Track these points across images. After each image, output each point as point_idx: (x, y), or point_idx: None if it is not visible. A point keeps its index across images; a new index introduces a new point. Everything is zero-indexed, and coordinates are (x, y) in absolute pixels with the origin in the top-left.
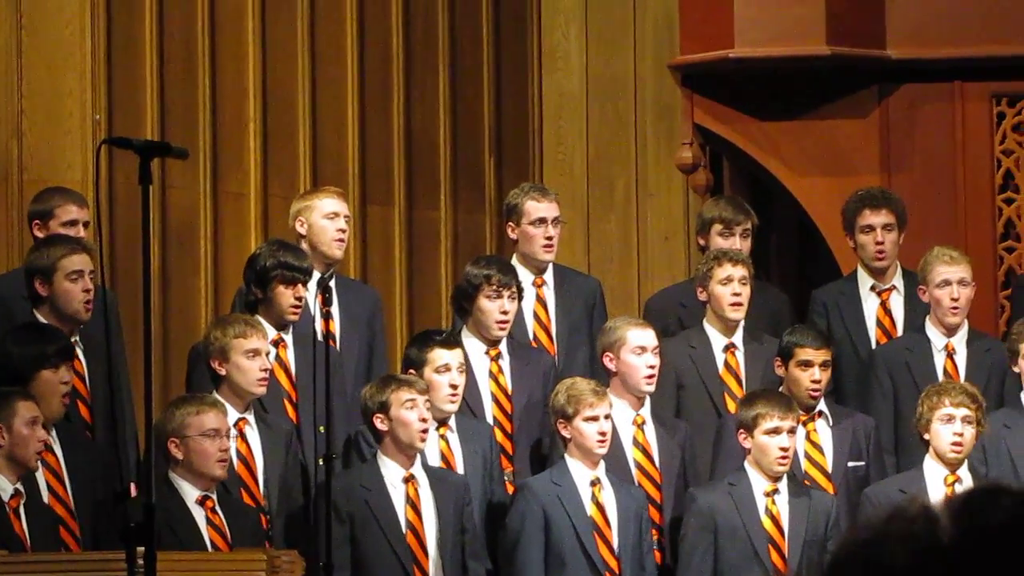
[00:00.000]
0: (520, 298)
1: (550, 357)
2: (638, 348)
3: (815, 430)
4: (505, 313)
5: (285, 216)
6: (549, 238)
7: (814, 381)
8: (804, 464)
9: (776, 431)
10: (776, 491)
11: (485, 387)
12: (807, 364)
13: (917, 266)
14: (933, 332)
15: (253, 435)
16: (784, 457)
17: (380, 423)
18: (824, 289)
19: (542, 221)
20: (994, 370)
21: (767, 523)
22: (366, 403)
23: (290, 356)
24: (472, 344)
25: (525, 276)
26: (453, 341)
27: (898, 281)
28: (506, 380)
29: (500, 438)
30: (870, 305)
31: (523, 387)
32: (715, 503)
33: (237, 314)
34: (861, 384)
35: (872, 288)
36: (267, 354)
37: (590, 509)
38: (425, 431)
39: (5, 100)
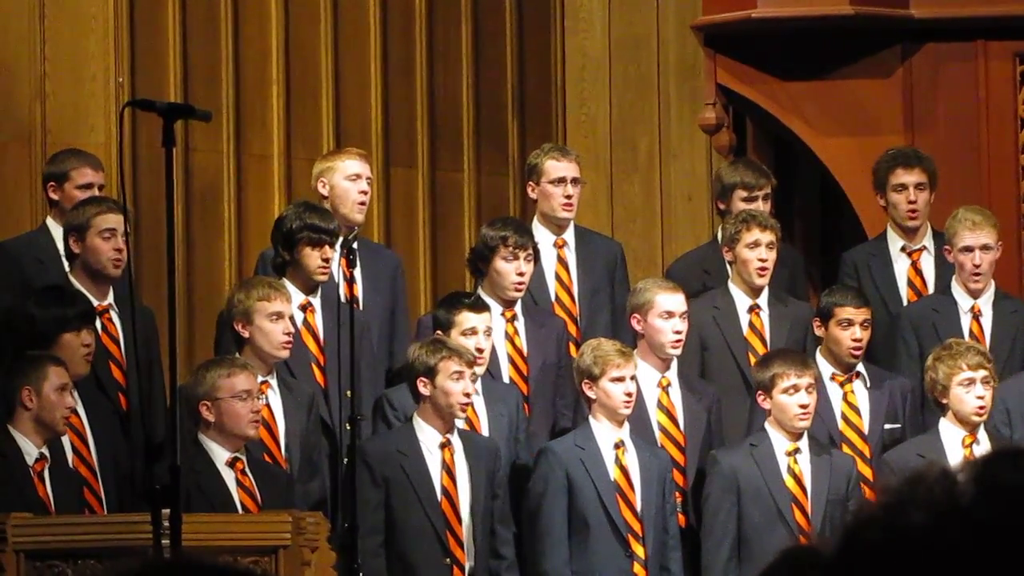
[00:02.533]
0: (537, 259)
1: (563, 321)
2: (665, 313)
3: (852, 391)
4: (521, 275)
5: (308, 178)
6: (568, 197)
7: (855, 340)
8: (840, 425)
9: (794, 388)
10: (798, 450)
11: (501, 348)
12: (848, 323)
13: (944, 225)
14: (959, 293)
15: (275, 398)
16: (805, 413)
17: (423, 387)
18: (854, 250)
19: (561, 180)
20: (1019, 331)
21: (790, 482)
22: (413, 363)
23: (318, 320)
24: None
25: (546, 237)
26: (481, 305)
27: (928, 242)
28: (522, 342)
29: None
30: (901, 266)
31: (538, 349)
32: (737, 464)
33: (261, 277)
34: (887, 344)
35: (903, 249)
36: (290, 317)
37: (613, 472)
38: (466, 405)
39: (28, 63)
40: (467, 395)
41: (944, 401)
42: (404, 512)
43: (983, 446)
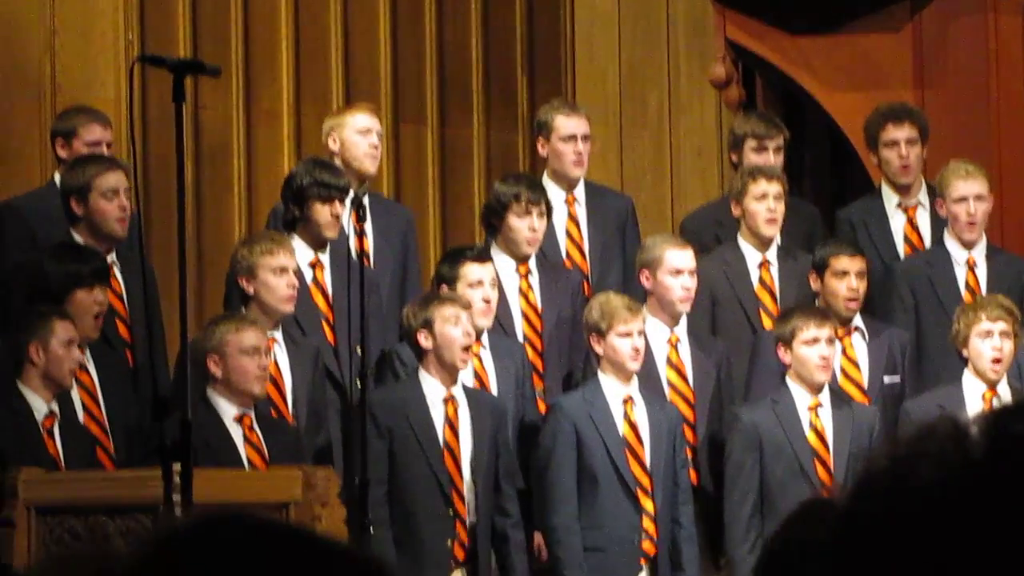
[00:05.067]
0: (549, 215)
1: (579, 275)
2: (675, 270)
3: (851, 345)
4: (534, 230)
5: (318, 134)
6: (579, 154)
7: (851, 289)
8: (840, 379)
9: (814, 340)
10: (819, 405)
11: (515, 304)
12: (843, 273)
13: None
14: (953, 246)
15: (281, 354)
16: (824, 365)
17: (424, 339)
18: (849, 208)
19: (572, 137)
20: (1014, 284)
21: (812, 437)
22: (409, 321)
23: (327, 277)
24: (502, 261)
25: (556, 193)
26: (485, 256)
27: (923, 197)
28: (535, 297)
29: (531, 355)
30: (897, 222)
31: (552, 304)
32: (759, 420)
33: (264, 231)
34: (885, 300)
35: (898, 205)
36: (295, 271)
37: (622, 427)
38: (468, 347)
39: (38, 20)
40: (468, 335)
41: (965, 352)
42: (407, 463)
43: (1005, 399)
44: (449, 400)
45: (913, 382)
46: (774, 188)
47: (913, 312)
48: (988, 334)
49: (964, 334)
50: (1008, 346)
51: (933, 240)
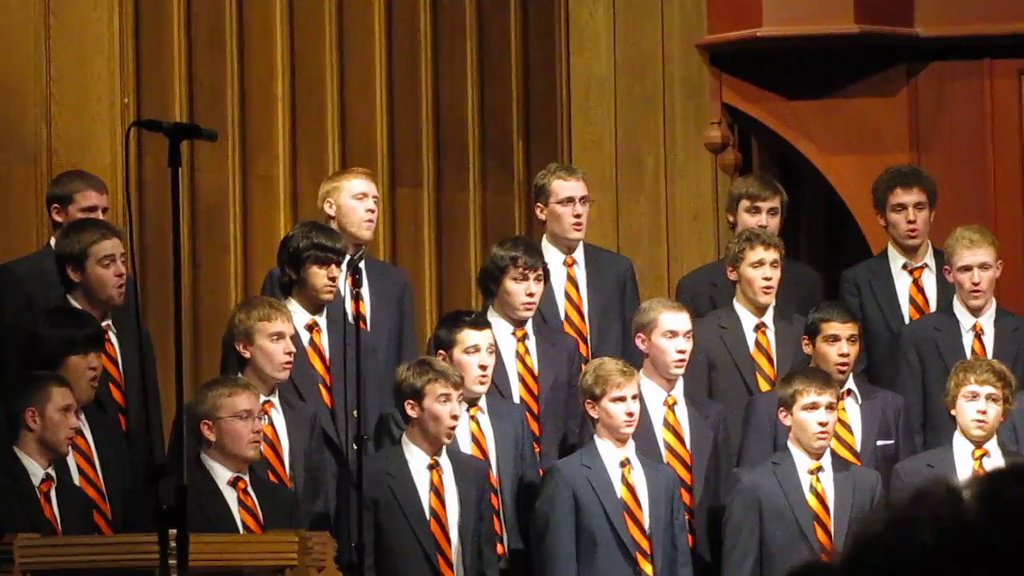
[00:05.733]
0: (546, 280)
1: (575, 339)
2: (669, 332)
3: (843, 408)
4: (531, 295)
5: (314, 197)
6: (578, 216)
7: (842, 355)
8: (833, 443)
9: (814, 406)
10: (820, 469)
11: (512, 368)
12: (834, 338)
13: (943, 245)
14: (961, 311)
15: (278, 418)
16: (823, 433)
17: (411, 409)
18: (855, 268)
19: (570, 200)
20: (1022, 349)
21: (812, 501)
22: (400, 385)
23: (324, 340)
24: (499, 325)
25: (555, 256)
26: (483, 322)
27: (929, 259)
28: (532, 361)
29: (527, 419)
30: (902, 283)
31: (549, 368)
32: (760, 483)
33: (262, 296)
34: (890, 362)
35: (904, 267)
36: (292, 337)
37: (620, 490)
38: (454, 427)
39: (34, 84)
40: (454, 417)
41: (953, 413)
42: (393, 533)
43: (994, 460)
44: (434, 467)
45: (912, 446)
46: (771, 255)
47: (920, 376)
48: (974, 396)
49: (953, 395)
50: (994, 409)
51: (938, 302)
